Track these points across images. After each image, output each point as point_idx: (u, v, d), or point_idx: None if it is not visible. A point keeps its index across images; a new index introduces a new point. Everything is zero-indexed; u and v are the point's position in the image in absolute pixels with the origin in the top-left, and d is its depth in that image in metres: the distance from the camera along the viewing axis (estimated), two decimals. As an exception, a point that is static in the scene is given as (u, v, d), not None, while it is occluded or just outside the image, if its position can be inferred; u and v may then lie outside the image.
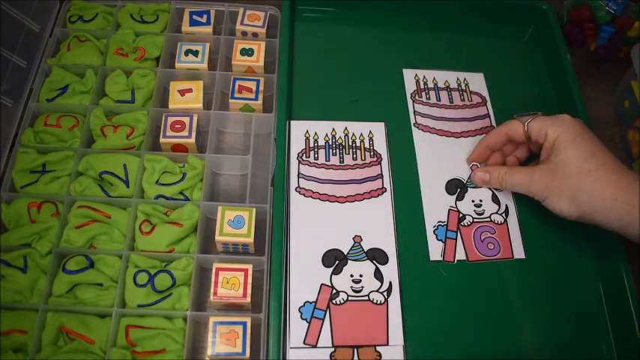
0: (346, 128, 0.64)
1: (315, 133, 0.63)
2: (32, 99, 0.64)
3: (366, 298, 0.55)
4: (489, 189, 0.62)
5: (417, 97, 0.68)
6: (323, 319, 0.54)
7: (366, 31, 0.74)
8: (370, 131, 0.64)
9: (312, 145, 0.63)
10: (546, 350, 0.54)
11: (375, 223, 0.59)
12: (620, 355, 0.55)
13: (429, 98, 0.68)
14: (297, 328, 0.53)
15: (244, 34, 0.70)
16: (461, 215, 0.60)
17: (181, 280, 0.55)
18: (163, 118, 0.62)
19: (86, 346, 0.51)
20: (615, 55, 0.74)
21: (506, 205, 0.61)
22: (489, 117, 0.67)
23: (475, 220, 0.60)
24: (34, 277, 0.54)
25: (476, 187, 0.62)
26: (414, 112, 0.67)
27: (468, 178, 0.62)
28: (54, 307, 0.52)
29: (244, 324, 0.52)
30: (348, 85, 0.69)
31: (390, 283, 0.56)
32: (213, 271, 0.54)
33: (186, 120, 0.62)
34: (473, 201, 0.61)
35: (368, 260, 0.57)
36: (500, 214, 0.61)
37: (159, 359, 0.51)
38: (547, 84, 0.72)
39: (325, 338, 0.53)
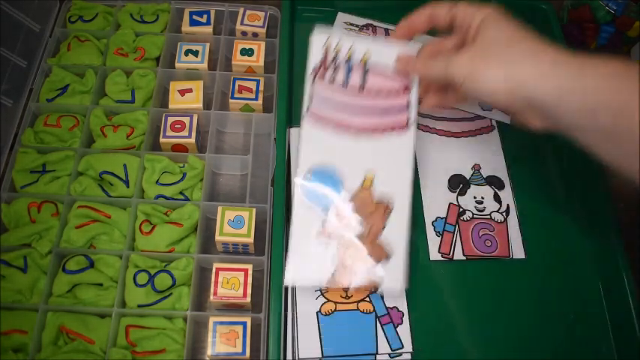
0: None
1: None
2: (32, 99, 0.64)
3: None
4: (491, 187, 0.62)
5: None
6: None
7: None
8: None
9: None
10: (546, 350, 0.54)
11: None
12: (620, 355, 0.55)
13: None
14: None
15: (244, 34, 0.70)
16: (461, 210, 0.60)
17: (181, 280, 0.55)
18: (163, 118, 0.62)
19: (86, 346, 0.51)
20: (615, 55, 0.74)
21: (508, 204, 0.61)
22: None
23: (475, 216, 0.60)
24: (34, 277, 0.54)
25: (479, 184, 0.62)
26: (414, 112, 0.67)
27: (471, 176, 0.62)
28: (54, 307, 0.52)
29: (244, 324, 0.52)
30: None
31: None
32: (213, 271, 0.54)
33: (186, 120, 0.62)
34: (474, 197, 0.61)
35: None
36: (501, 213, 0.61)
37: (159, 359, 0.51)
38: (547, 84, 0.72)
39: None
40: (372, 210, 0.52)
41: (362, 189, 0.52)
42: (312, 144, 0.52)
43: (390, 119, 0.53)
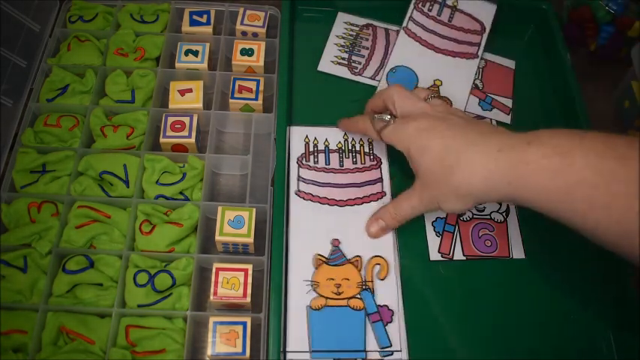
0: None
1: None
2: (32, 99, 0.64)
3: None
4: None
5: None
6: None
7: (366, 31, 0.74)
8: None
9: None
10: (546, 350, 0.54)
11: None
12: (620, 355, 0.55)
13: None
14: None
15: (244, 34, 0.70)
16: None
17: (181, 280, 0.55)
18: (163, 118, 0.62)
19: (86, 346, 0.51)
20: (615, 55, 0.74)
21: (508, 204, 0.61)
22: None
23: (475, 216, 0.60)
24: (34, 277, 0.54)
25: None
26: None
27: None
28: (54, 307, 0.52)
29: (244, 324, 0.52)
30: (349, 84, 0.69)
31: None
32: (213, 271, 0.54)
33: (186, 120, 0.62)
34: None
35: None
36: (501, 213, 0.61)
37: (159, 359, 0.51)
38: (547, 84, 0.72)
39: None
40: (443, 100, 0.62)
41: (431, 88, 0.68)
42: (399, 53, 0.70)
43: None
